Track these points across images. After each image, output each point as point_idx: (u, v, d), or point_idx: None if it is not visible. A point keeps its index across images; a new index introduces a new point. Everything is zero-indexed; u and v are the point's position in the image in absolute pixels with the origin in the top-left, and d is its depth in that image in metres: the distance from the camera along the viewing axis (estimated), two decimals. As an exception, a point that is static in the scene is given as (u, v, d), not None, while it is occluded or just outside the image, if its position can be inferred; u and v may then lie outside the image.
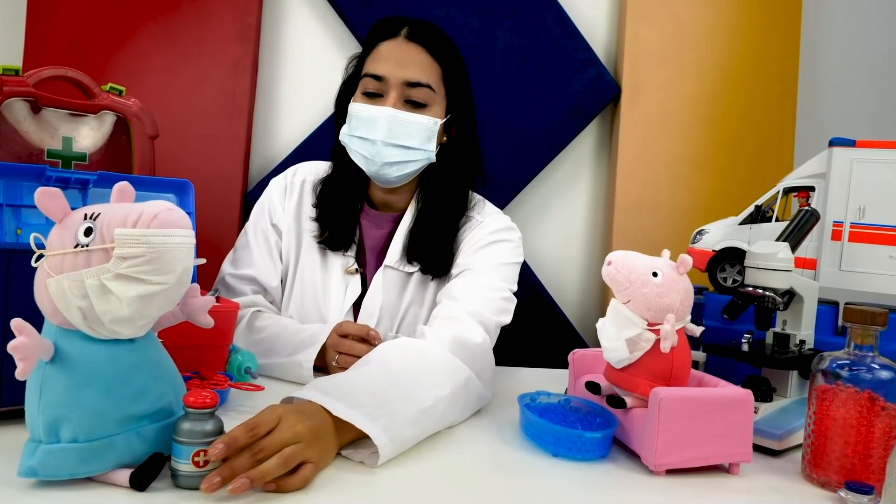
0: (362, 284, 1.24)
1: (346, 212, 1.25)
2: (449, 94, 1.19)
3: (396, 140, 1.14)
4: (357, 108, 1.17)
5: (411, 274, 1.23)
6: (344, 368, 1.00)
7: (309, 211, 1.27)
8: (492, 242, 1.21)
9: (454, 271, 1.21)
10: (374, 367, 0.92)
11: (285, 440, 0.70)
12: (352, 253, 1.25)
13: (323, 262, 1.26)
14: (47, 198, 0.65)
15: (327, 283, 1.24)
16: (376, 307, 1.22)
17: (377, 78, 1.15)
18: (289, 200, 1.29)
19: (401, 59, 1.15)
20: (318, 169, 1.31)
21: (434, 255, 1.21)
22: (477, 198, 1.29)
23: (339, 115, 1.26)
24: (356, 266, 1.24)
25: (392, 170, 1.17)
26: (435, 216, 1.22)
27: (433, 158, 1.18)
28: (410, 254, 1.22)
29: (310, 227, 1.27)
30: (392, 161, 1.16)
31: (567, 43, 1.92)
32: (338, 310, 1.23)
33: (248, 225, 1.31)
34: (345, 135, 1.19)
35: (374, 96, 1.16)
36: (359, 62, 1.23)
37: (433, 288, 1.24)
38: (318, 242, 1.24)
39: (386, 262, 1.23)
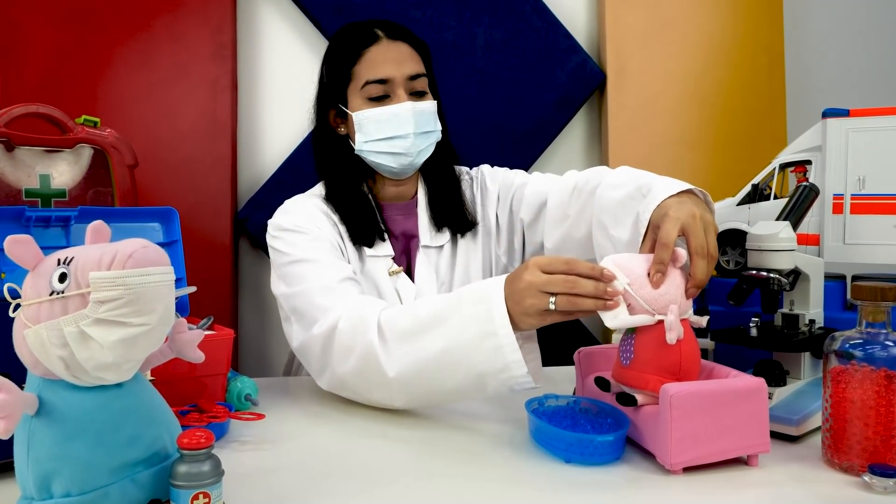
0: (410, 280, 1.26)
1: (365, 202, 1.27)
2: (429, 76, 1.27)
3: (422, 128, 1.21)
4: (371, 113, 1.20)
5: (443, 247, 1.29)
6: (567, 313, 0.87)
7: (335, 229, 1.23)
8: (503, 172, 1.36)
9: (507, 207, 1.31)
10: None
11: None
12: (388, 251, 1.25)
13: (367, 273, 1.23)
14: (17, 245, 0.62)
15: (380, 292, 1.22)
16: (433, 290, 1.25)
17: (382, 82, 1.20)
18: (318, 225, 1.22)
19: (396, 58, 1.20)
20: (309, 198, 1.28)
21: (456, 208, 1.29)
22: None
23: (328, 133, 1.27)
24: (396, 266, 1.25)
25: (421, 156, 1.24)
26: (442, 177, 1.31)
27: (440, 136, 1.26)
28: (438, 220, 1.28)
29: (341, 245, 1.22)
30: (422, 148, 1.23)
31: (547, 33, 1.90)
32: None
33: (290, 247, 1.17)
34: (361, 143, 1.22)
35: (380, 99, 1.21)
36: (339, 75, 1.23)
37: (465, 250, 1.30)
38: (355, 243, 1.23)
39: (422, 242, 1.27)
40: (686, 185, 0.95)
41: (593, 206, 1.10)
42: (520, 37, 1.89)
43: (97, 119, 1.17)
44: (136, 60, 1.71)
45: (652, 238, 0.91)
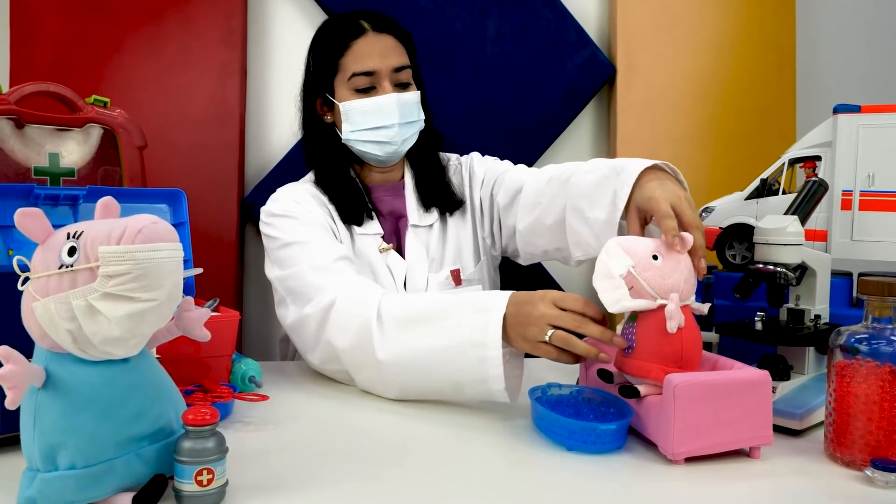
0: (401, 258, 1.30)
1: (353, 183, 1.32)
2: (413, 67, 1.31)
3: (407, 118, 1.27)
4: (358, 104, 1.25)
5: (432, 225, 1.33)
6: (558, 351, 0.91)
7: (325, 210, 1.28)
8: (491, 160, 1.43)
9: (487, 191, 1.37)
10: None
11: None
12: (377, 229, 1.29)
13: (358, 251, 1.27)
14: (28, 219, 0.63)
15: (372, 269, 1.26)
16: (423, 266, 1.28)
17: (368, 74, 1.25)
18: (309, 209, 1.25)
19: (381, 50, 1.25)
20: (299, 185, 1.33)
21: (442, 188, 1.35)
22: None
23: (315, 121, 1.33)
24: (385, 244, 1.29)
25: (405, 145, 1.29)
26: (428, 160, 1.36)
27: (423, 125, 1.32)
28: (426, 200, 1.33)
29: (332, 226, 1.26)
30: (406, 137, 1.28)
31: (558, 25, 1.89)
32: (391, 289, 1.26)
33: (280, 231, 1.21)
34: (348, 133, 1.27)
35: (366, 90, 1.26)
36: (326, 66, 1.28)
37: (455, 228, 1.35)
38: (345, 222, 1.27)
39: (410, 222, 1.31)
40: (655, 161, 1.02)
41: (567, 194, 1.14)
42: (530, 29, 1.88)
43: (107, 99, 1.17)
44: (145, 45, 1.71)
45: (639, 219, 0.97)
